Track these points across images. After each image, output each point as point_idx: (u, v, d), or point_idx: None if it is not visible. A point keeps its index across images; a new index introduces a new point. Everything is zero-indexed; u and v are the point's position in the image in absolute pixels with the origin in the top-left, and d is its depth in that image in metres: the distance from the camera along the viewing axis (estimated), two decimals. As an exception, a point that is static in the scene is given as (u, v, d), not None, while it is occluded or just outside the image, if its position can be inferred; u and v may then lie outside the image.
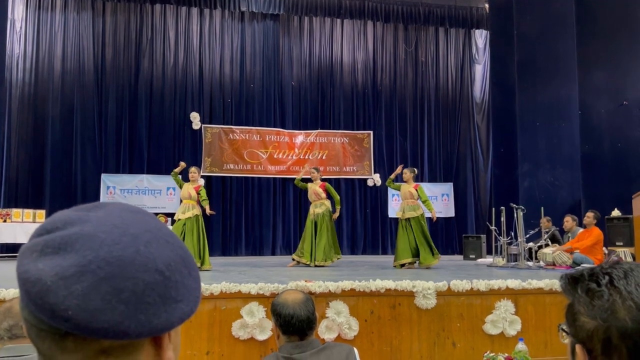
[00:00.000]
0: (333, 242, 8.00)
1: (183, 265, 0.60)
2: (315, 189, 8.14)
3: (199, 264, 6.74)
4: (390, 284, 4.19)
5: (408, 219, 7.52)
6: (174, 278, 0.58)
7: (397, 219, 12.58)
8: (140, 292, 0.54)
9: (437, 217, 12.31)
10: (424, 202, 7.70)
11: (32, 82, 11.27)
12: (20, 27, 11.32)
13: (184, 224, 6.92)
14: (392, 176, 8.06)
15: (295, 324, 2.22)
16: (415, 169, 8.25)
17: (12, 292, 3.95)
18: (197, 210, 7.10)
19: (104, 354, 0.55)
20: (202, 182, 7.48)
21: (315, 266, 7.61)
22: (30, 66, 11.28)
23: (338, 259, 8.05)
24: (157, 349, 0.59)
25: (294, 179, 11.73)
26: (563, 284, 0.80)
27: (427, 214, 7.73)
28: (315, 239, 7.85)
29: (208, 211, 7.27)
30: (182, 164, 7.53)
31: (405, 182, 7.83)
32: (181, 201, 7.34)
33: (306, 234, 8.01)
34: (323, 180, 8.42)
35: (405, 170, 7.97)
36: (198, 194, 7.18)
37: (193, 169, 7.51)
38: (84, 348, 0.54)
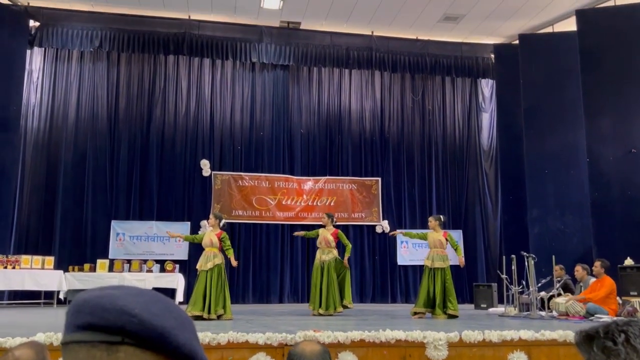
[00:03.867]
0: (341, 290, 7.89)
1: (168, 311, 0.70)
2: (326, 235, 8.08)
3: (221, 313, 6.68)
4: (400, 334, 4.13)
5: (435, 269, 7.44)
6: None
7: (406, 266, 12.57)
8: (181, 319, 0.67)
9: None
10: (455, 248, 7.68)
11: (47, 130, 11.49)
12: (37, 78, 11.64)
13: (207, 274, 6.82)
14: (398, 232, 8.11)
15: None
16: (442, 216, 8.17)
17: (19, 340, 3.92)
18: (219, 259, 6.95)
19: None
20: (224, 221, 7.43)
21: (320, 315, 7.50)
22: (45, 114, 11.54)
23: (347, 307, 7.90)
24: None
25: (303, 225, 11.79)
26: (578, 341, 0.80)
27: (454, 262, 7.67)
28: (321, 287, 7.76)
29: (233, 262, 7.16)
30: (170, 234, 7.79)
31: (431, 229, 7.79)
32: (195, 249, 7.30)
33: (314, 281, 7.92)
34: (336, 226, 8.38)
35: (430, 219, 7.96)
36: (221, 240, 7.11)
37: (210, 216, 7.55)
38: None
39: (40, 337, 3.78)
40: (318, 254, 8.08)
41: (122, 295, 0.64)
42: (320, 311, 7.58)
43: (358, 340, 4.07)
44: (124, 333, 0.62)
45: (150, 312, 0.63)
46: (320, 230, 8.24)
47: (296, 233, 9.46)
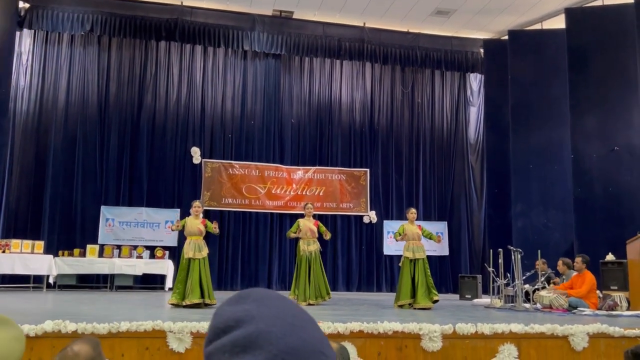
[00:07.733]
0: (324, 280, 8.11)
1: (322, 334, 0.72)
2: (310, 226, 8.19)
3: (207, 300, 6.87)
4: (397, 326, 4.30)
5: (416, 260, 7.65)
6: (328, 352, 0.69)
7: (391, 256, 12.79)
8: None
9: (431, 256, 12.50)
10: (430, 237, 7.98)
11: (36, 113, 11.40)
12: (27, 60, 11.51)
13: (200, 263, 6.99)
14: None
15: None
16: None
17: (27, 327, 3.98)
18: (206, 249, 7.25)
19: None
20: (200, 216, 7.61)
21: (310, 304, 7.66)
22: (35, 97, 11.44)
23: (329, 298, 8.12)
24: None
25: (291, 214, 11.93)
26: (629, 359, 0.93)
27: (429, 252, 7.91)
28: (309, 277, 7.91)
29: (216, 229, 7.56)
30: (179, 225, 7.58)
31: (410, 221, 7.97)
32: (184, 236, 7.40)
33: (300, 272, 8.02)
34: (314, 217, 8.57)
35: (413, 210, 8.14)
36: (206, 226, 7.33)
37: (197, 202, 7.61)
38: None
39: (48, 325, 3.86)
40: (302, 245, 8.13)
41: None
42: (311, 301, 7.73)
43: (357, 331, 4.23)
44: None
45: None
46: (302, 221, 8.29)
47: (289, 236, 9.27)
